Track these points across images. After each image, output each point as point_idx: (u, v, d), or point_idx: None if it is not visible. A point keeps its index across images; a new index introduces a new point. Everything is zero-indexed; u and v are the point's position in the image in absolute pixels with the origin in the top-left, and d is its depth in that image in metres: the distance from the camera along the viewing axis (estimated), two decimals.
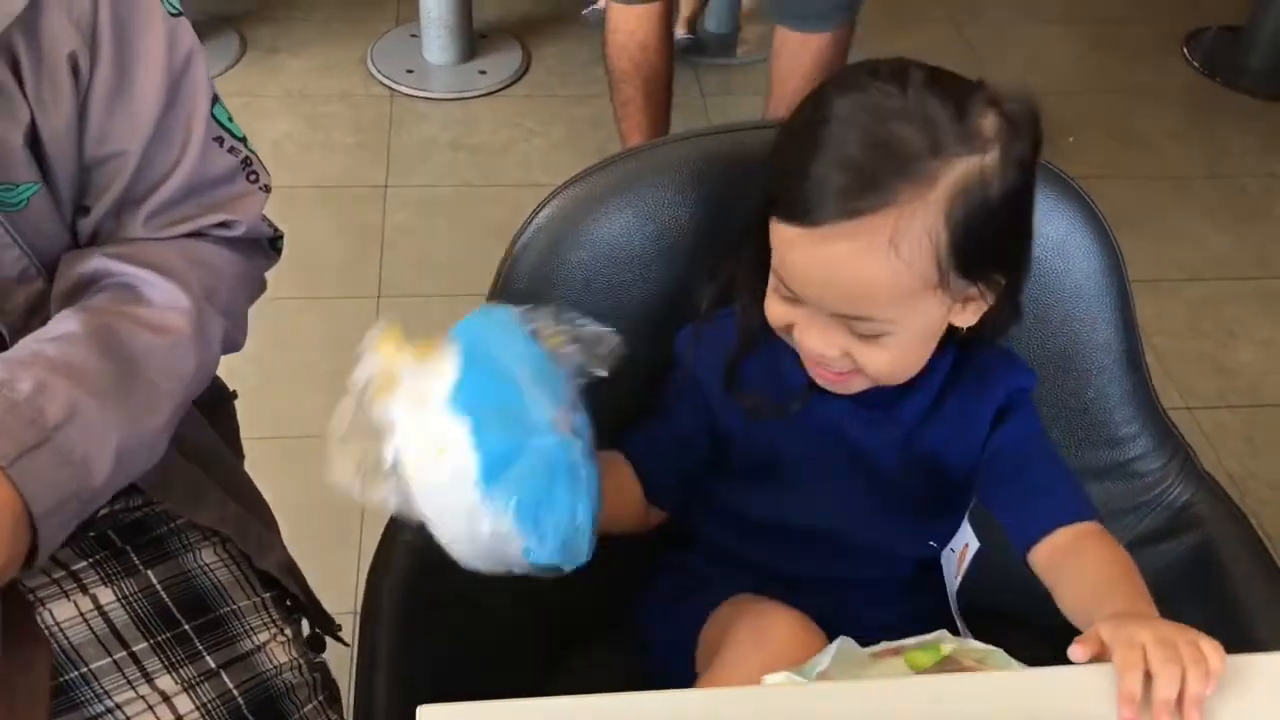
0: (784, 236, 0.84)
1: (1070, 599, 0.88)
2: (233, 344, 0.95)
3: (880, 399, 0.94)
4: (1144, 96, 2.83)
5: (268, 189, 0.96)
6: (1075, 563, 0.89)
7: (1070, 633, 0.79)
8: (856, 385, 0.92)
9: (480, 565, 0.79)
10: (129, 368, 0.82)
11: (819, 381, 0.93)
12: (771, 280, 0.90)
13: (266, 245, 1.00)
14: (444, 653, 1.03)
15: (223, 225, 0.92)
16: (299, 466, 1.86)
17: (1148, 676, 0.72)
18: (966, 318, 0.90)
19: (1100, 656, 0.75)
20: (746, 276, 0.94)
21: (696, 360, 0.98)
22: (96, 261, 0.86)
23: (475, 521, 0.75)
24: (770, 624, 0.92)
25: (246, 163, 0.94)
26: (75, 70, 0.82)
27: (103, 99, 0.84)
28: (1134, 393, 1.13)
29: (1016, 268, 0.91)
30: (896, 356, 0.88)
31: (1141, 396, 1.14)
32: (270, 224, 0.99)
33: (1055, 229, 1.09)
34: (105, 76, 0.83)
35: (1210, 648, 0.73)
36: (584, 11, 2.89)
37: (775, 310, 0.90)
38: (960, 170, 0.81)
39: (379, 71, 2.76)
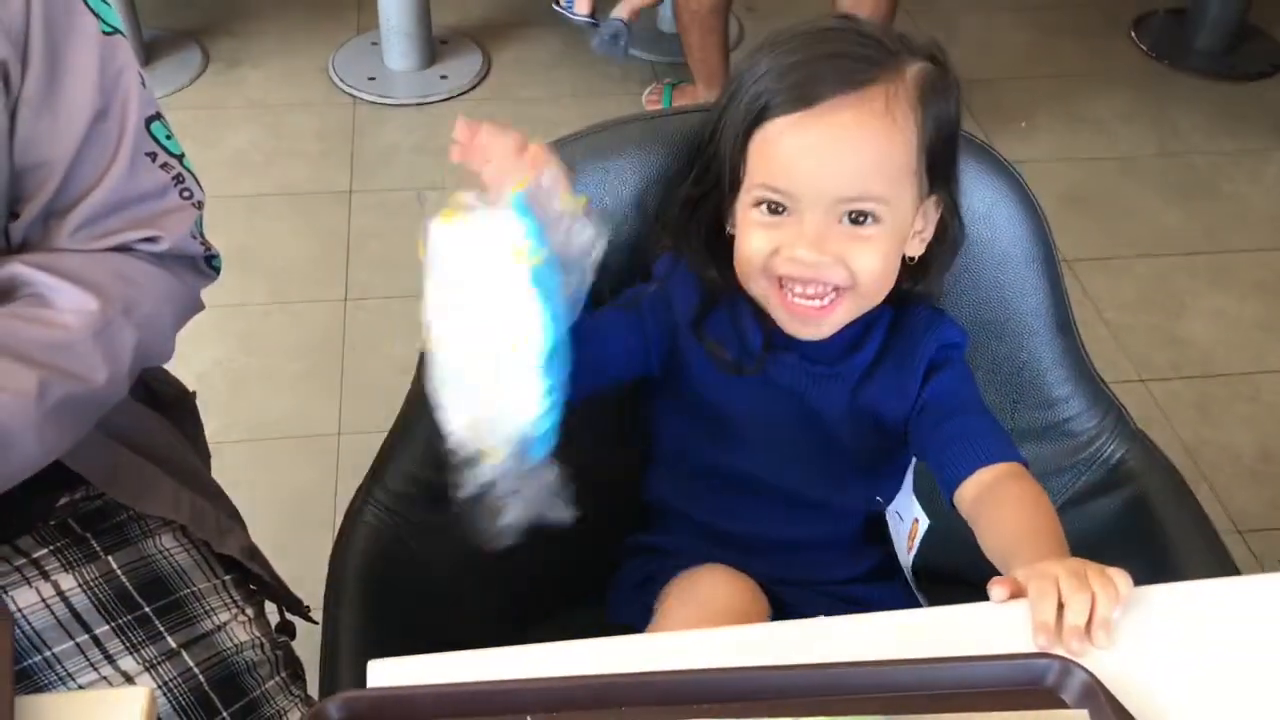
0: (778, 129, 0.90)
1: (990, 542, 0.91)
2: (154, 357, 0.96)
3: (827, 354, 0.99)
4: (1093, 79, 2.88)
5: (200, 205, 0.97)
6: (994, 506, 0.93)
7: None
8: (834, 318, 0.95)
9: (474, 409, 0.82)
10: None
11: (793, 323, 0.95)
12: (748, 212, 0.93)
13: (202, 264, 1.00)
14: (407, 628, 1.06)
15: (149, 240, 0.92)
16: (270, 467, 1.92)
17: (1061, 607, 0.76)
18: (915, 246, 0.98)
19: (1018, 595, 0.79)
20: (697, 234, 1.00)
21: (675, 283, 1.01)
22: (14, 269, 0.87)
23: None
24: (710, 582, 0.95)
25: (179, 179, 0.94)
26: (5, 79, 0.84)
27: (30, 109, 0.86)
28: (1065, 355, 1.17)
29: (954, 196, 0.99)
30: (882, 257, 0.93)
31: (1073, 359, 1.17)
32: (203, 243, 0.98)
33: (982, 200, 1.13)
34: (34, 87, 0.85)
35: (1118, 575, 0.77)
36: (555, 7, 2.91)
37: (756, 241, 0.93)
38: (919, 69, 0.93)
39: (341, 80, 2.79)
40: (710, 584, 0.96)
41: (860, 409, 1.02)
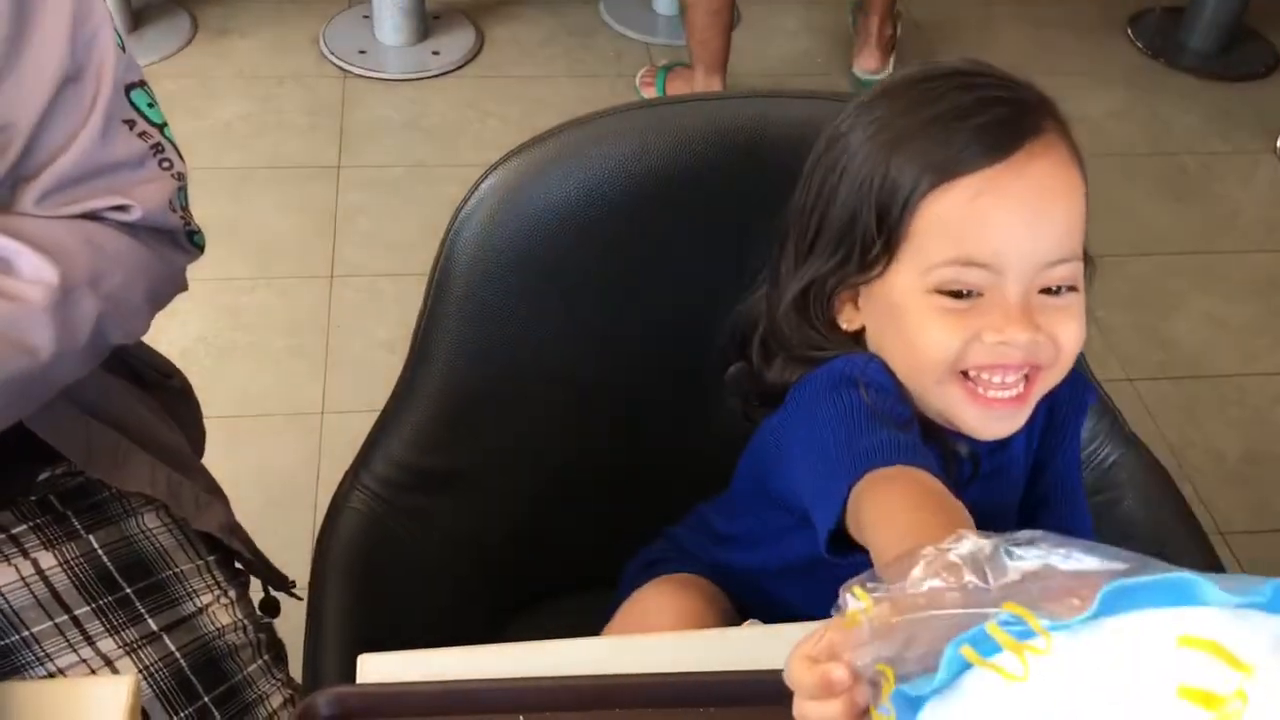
0: (969, 191, 0.75)
1: None
2: (122, 332, 0.91)
3: (984, 448, 0.83)
4: (1089, 77, 2.87)
5: (181, 176, 0.93)
6: None
7: None
8: (1030, 405, 0.81)
9: None
10: None
11: (987, 422, 0.80)
12: (925, 298, 0.77)
13: (182, 238, 0.96)
14: (394, 614, 1.05)
15: (119, 209, 0.88)
16: (254, 444, 1.90)
17: None
18: None
19: None
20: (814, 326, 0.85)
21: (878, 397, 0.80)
22: None
23: None
24: (675, 588, 0.92)
25: (159, 149, 0.91)
26: None
27: None
28: None
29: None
30: (1080, 324, 0.79)
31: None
32: (183, 217, 0.94)
33: None
34: None
35: None
36: None
37: (940, 333, 0.77)
38: (1050, 108, 0.81)
39: (331, 52, 2.76)
40: (681, 596, 0.92)
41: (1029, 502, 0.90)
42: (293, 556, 1.16)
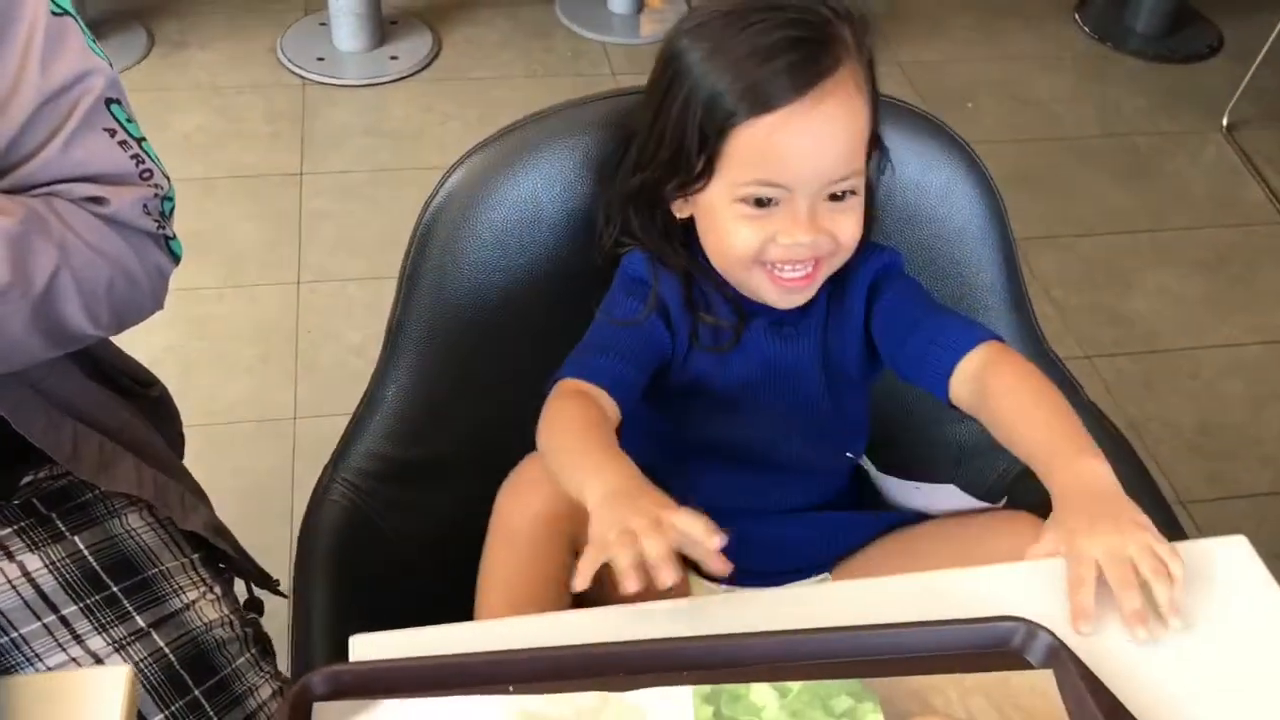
0: (770, 127, 0.91)
1: (1004, 436, 0.92)
2: (80, 314, 0.88)
3: (790, 314, 1.01)
4: (1038, 62, 2.92)
5: (160, 187, 0.93)
6: (994, 399, 0.92)
7: None
8: (817, 284, 0.98)
9: None
10: None
11: (781, 297, 0.98)
12: (730, 206, 0.95)
13: (161, 241, 0.96)
14: (378, 602, 1.06)
15: (94, 201, 0.88)
16: (226, 451, 1.90)
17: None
18: None
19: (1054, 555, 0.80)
20: (652, 223, 1.01)
21: (661, 281, 1.02)
22: None
23: None
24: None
25: (139, 159, 0.91)
26: None
27: None
28: (1019, 330, 1.20)
29: (878, 132, 1.00)
30: (857, 219, 0.96)
31: (1026, 333, 1.20)
32: (158, 222, 0.94)
33: (939, 178, 1.15)
34: None
35: (1168, 553, 0.77)
36: None
37: (744, 235, 0.95)
38: (851, 30, 0.94)
39: (289, 61, 2.76)
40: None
41: (829, 359, 1.04)
42: (269, 561, 1.17)
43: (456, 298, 1.10)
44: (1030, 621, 0.75)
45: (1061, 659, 0.73)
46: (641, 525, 0.76)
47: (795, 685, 0.72)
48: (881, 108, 1.00)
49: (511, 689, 0.71)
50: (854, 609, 0.77)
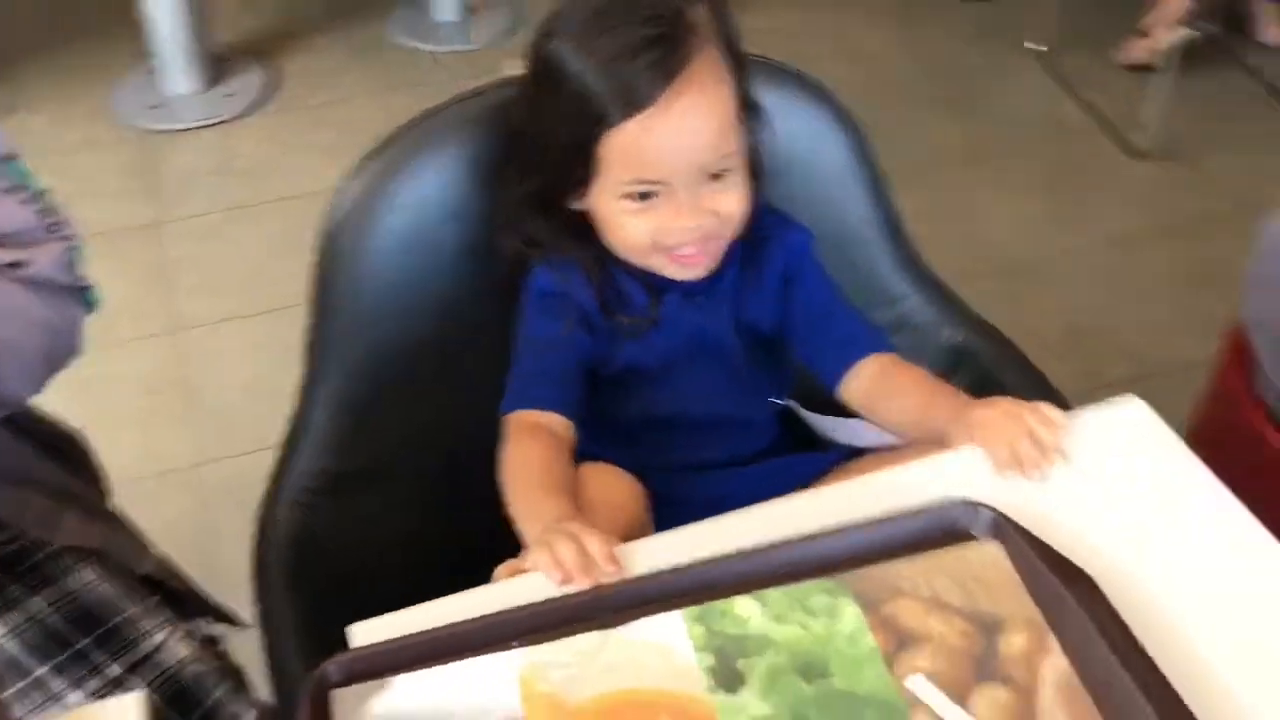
0: (636, 129, 0.94)
1: (897, 418, 1.02)
2: (16, 382, 0.91)
3: (700, 284, 1.06)
4: (858, 10, 3.05)
5: (69, 238, 0.94)
6: (889, 385, 1.03)
7: None
8: (712, 256, 1.03)
9: None
10: None
11: (676, 270, 1.03)
12: (615, 203, 0.99)
13: (77, 293, 0.97)
14: (346, 614, 1.08)
15: (15, 266, 0.89)
16: (132, 509, 1.86)
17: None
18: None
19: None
20: (553, 226, 1.04)
21: (573, 289, 1.05)
22: None
23: None
24: (593, 479, 1.01)
25: (46, 213, 0.92)
26: None
27: None
28: (898, 256, 1.28)
29: (749, 96, 1.04)
30: (742, 196, 1.01)
31: (905, 258, 1.29)
32: (75, 274, 0.96)
33: (806, 124, 1.22)
34: None
35: (1046, 407, 0.89)
36: None
37: (635, 229, 1.00)
38: (704, 12, 0.97)
39: (124, 112, 2.71)
40: (593, 481, 1.01)
41: (742, 322, 1.09)
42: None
43: (371, 308, 1.12)
44: (971, 501, 0.82)
45: (1006, 531, 0.80)
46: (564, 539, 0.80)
47: (774, 592, 0.77)
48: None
49: (515, 644, 0.75)
50: (811, 521, 0.82)
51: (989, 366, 1.27)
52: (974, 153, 2.64)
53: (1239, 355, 1.38)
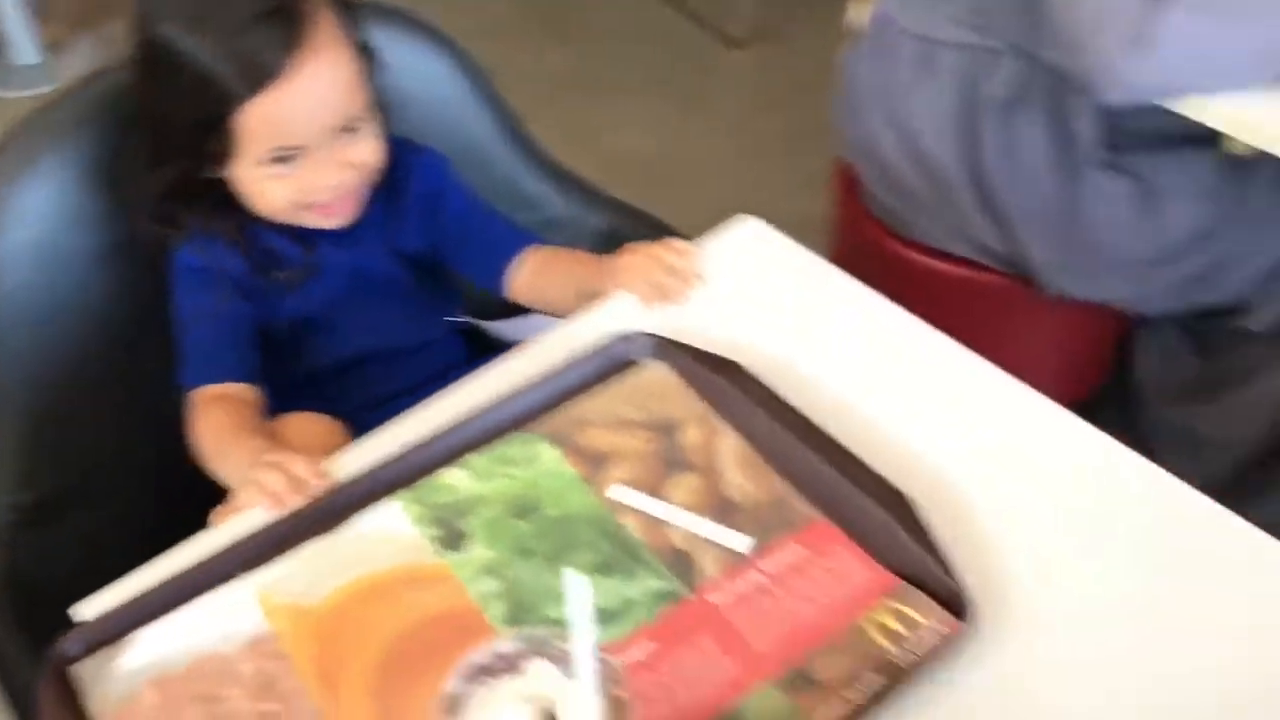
0: (267, 103, 0.95)
1: (559, 293, 1.09)
2: None
3: (349, 227, 1.09)
4: None
5: None
6: (547, 271, 1.11)
7: None
8: (356, 202, 1.07)
9: None
10: None
11: (322, 221, 1.06)
12: (257, 169, 1.00)
13: None
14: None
15: None
16: None
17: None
18: None
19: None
20: (200, 205, 1.05)
21: (221, 261, 1.06)
22: None
23: None
24: (297, 427, 1.04)
25: None
26: None
27: None
28: (527, 161, 1.36)
29: (371, 61, 1.08)
30: (372, 141, 1.04)
31: (534, 162, 1.36)
32: None
33: (421, 61, 1.29)
34: None
35: (678, 241, 1.02)
36: None
37: (279, 192, 1.02)
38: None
39: None
40: (290, 428, 1.04)
41: (397, 252, 1.14)
42: None
43: (22, 331, 1.10)
44: (630, 333, 0.91)
45: (665, 349, 0.90)
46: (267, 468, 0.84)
47: (476, 457, 0.83)
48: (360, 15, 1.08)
49: (240, 574, 0.77)
50: (498, 390, 0.89)
51: (634, 235, 1.36)
52: (589, 73, 2.76)
53: (847, 184, 1.55)
